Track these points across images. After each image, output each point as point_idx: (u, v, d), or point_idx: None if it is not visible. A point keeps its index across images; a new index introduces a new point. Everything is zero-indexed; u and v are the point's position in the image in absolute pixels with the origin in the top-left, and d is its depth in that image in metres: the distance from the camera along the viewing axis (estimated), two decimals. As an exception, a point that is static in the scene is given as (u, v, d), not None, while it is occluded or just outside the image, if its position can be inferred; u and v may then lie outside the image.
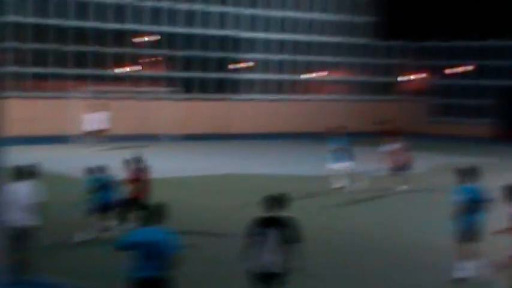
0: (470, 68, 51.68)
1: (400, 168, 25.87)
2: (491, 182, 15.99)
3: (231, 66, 48.06)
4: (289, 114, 47.98)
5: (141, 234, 10.70)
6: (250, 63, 48.39)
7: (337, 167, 25.36)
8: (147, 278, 10.49)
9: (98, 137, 36.57)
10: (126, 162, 18.06)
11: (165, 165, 30.22)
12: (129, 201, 17.61)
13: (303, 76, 50.67)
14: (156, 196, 16.96)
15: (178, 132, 40.21)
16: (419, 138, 47.42)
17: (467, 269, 14.09)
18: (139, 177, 17.90)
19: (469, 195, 14.33)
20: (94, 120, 36.58)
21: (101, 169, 17.63)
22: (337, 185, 24.99)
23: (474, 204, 14.40)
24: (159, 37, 45.46)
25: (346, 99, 52.22)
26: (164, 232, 10.67)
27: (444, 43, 52.00)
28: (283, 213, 11.23)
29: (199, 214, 20.60)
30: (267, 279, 11.21)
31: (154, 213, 10.78)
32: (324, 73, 51.75)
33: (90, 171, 17.53)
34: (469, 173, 14.48)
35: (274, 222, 11.19)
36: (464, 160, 36.90)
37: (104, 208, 17.38)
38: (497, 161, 35.94)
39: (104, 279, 14.19)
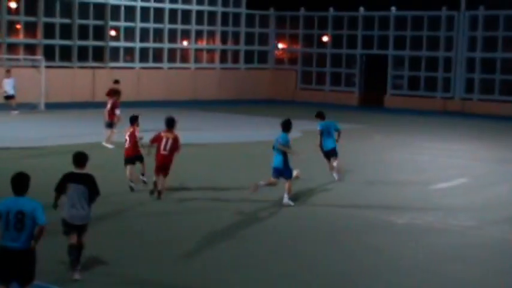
0: (337, 36, 51.86)
1: (109, 124, 27.34)
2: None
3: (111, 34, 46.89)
4: (159, 83, 47.46)
5: (3, 204, 10.39)
6: (114, 32, 47.23)
7: None
8: (9, 248, 10.17)
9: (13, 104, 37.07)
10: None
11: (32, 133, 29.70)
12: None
13: (176, 45, 49.76)
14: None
15: (39, 100, 39.37)
16: (291, 104, 48.15)
17: None
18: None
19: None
20: (6, 84, 37.25)
21: None
22: None
23: None
24: (18, 2, 43.79)
25: (220, 67, 51.82)
26: (29, 202, 10.37)
27: (317, 13, 52.15)
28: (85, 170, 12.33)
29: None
30: (75, 229, 12.27)
31: (16, 183, 10.47)
32: (199, 42, 51.15)
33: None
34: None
35: (82, 178, 12.26)
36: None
37: None
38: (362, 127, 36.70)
39: None
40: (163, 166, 18.43)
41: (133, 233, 15.65)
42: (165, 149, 18.34)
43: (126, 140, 19.56)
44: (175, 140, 18.48)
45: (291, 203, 18.40)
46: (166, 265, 13.38)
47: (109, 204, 16.98)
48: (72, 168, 12.31)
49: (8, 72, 37.76)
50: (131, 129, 19.54)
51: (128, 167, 19.44)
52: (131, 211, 17.58)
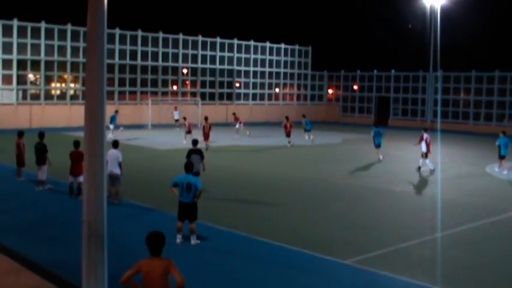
0: (362, 86, 51.00)
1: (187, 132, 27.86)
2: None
3: (237, 84, 47.06)
4: (266, 112, 47.56)
5: (180, 178, 10.64)
6: (238, 84, 47.41)
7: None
8: (183, 202, 10.37)
9: (178, 124, 37.51)
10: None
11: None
12: None
13: (272, 91, 49.80)
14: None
15: (198, 122, 39.62)
16: (336, 124, 47.42)
17: None
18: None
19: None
20: (175, 114, 37.98)
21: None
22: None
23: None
24: (187, 70, 44.25)
25: (296, 103, 51.46)
26: (193, 178, 10.57)
27: (351, 73, 51.54)
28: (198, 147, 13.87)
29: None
30: (197, 175, 13.19)
31: (187, 167, 10.68)
32: (285, 89, 51.08)
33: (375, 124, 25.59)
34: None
35: (196, 151, 14.07)
36: (360, 136, 36.82)
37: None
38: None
39: (164, 202, 13.85)
40: (206, 137, 24.10)
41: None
42: (206, 130, 24.22)
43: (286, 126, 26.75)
44: (210, 126, 24.26)
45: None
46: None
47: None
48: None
49: (175, 107, 38.94)
50: (288, 123, 26.79)
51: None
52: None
